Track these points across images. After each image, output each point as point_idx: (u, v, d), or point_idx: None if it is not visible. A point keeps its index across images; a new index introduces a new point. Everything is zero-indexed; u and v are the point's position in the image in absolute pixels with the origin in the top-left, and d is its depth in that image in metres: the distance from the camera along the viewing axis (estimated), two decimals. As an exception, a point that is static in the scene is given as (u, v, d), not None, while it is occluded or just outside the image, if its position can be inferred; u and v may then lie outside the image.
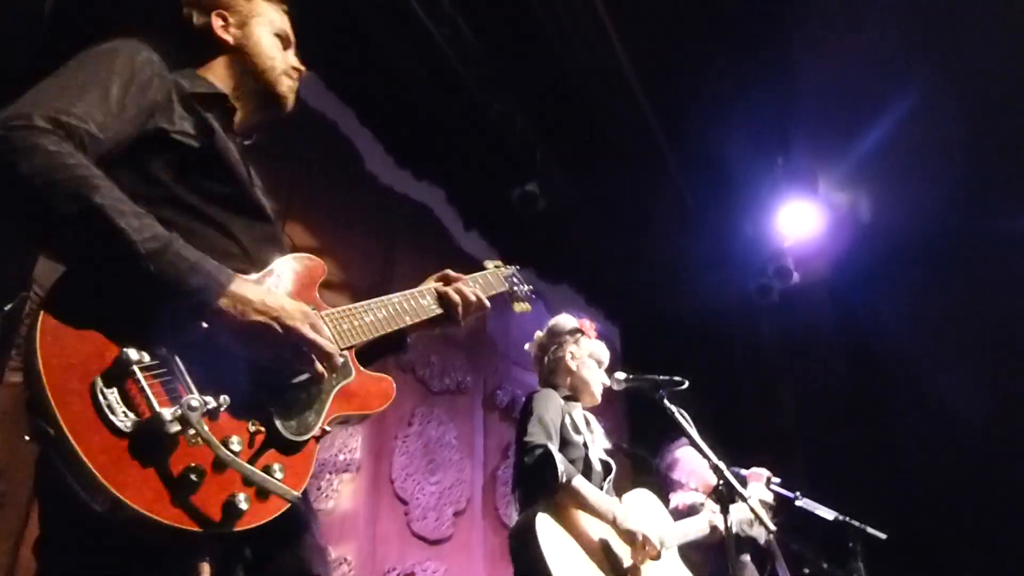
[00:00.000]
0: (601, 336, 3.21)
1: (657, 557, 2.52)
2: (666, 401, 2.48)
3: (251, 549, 1.44)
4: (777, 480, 3.86)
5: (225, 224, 1.54)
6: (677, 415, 2.46)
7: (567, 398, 2.78)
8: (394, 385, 1.59)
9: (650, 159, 5.99)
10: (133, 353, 1.26)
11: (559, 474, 2.32)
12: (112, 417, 1.19)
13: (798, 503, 3.83)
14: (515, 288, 2.19)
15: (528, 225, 5.49)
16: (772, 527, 2.81)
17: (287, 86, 1.78)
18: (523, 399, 4.54)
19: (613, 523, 2.44)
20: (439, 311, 1.80)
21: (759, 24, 5.37)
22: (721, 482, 2.34)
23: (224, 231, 1.53)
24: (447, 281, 1.86)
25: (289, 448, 1.37)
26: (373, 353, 1.68)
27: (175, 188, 1.49)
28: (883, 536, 3.79)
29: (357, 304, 1.64)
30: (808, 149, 6.00)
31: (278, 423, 1.38)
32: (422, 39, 4.59)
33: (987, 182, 5.91)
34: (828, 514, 3.84)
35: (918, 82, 5.35)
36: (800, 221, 6.52)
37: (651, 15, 5.13)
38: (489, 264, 2.11)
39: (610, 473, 2.75)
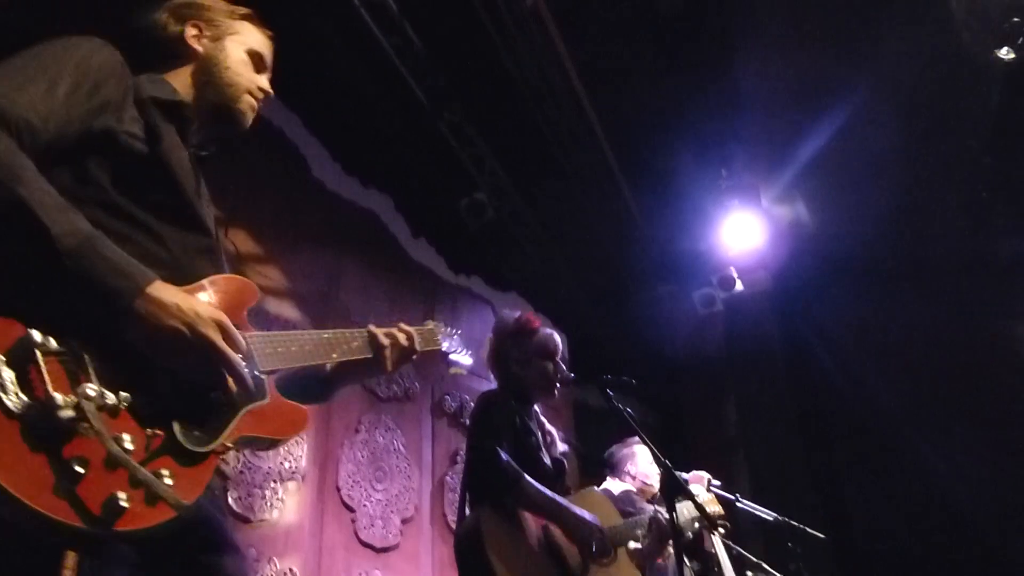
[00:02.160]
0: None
1: (608, 557, 2.53)
2: (614, 401, 2.49)
3: (157, 559, 1.41)
4: (717, 483, 3.89)
5: (157, 232, 1.52)
6: (626, 414, 2.48)
7: (518, 398, 2.77)
8: (308, 417, 1.58)
9: (597, 171, 6.15)
10: (38, 336, 1.25)
11: (506, 475, 2.32)
12: (3, 396, 1.18)
13: (739, 505, 3.89)
14: (452, 351, 2.16)
15: (476, 234, 5.55)
16: (718, 525, 2.96)
17: (247, 104, 1.78)
18: (472, 405, 4.74)
19: (562, 523, 2.43)
20: (368, 354, 1.77)
21: (703, 40, 5.60)
22: (667, 480, 2.36)
23: (155, 239, 1.51)
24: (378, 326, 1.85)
25: (186, 458, 1.35)
26: (294, 392, 1.65)
27: (111, 191, 1.47)
28: (822, 536, 3.88)
29: (286, 332, 1.65)
30: (750, 162, 6.28)
31: (178, 431, 1.36)
32: (370, 46, 4.61)
33: (924, 197, 6.13)
34: (768, 515, 3.92)
35: (856, 97, 5.62)
36: (743, 233, 6.69)
37: (599, 31, 5.30)
38: (429, 323, 2.08)
39: (562, 473, 2.74)
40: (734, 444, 7.13)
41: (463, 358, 2.20)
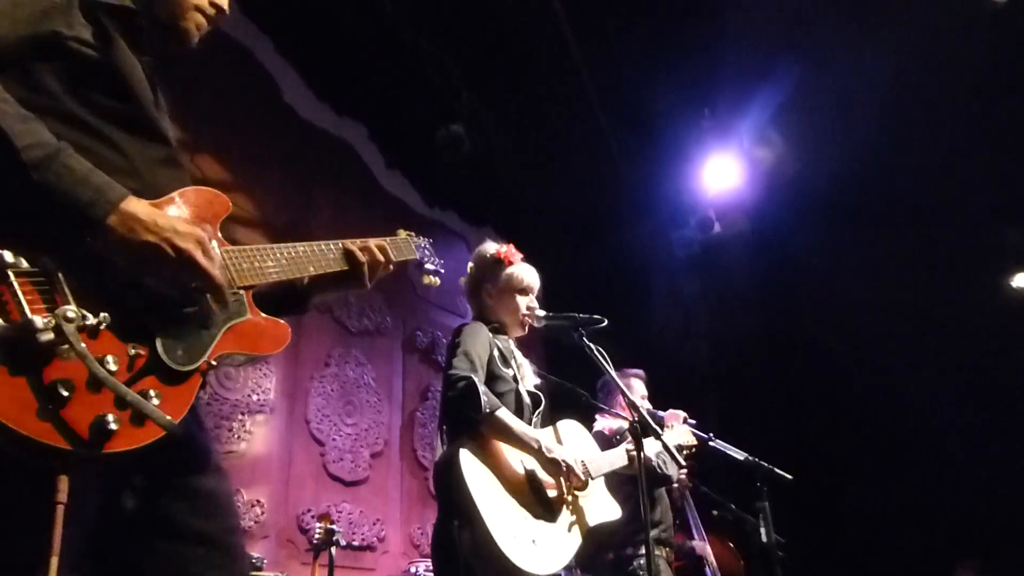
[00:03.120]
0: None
1: (583, 487, 2.57)
2: (585, 339, 2.51)
3: (142, 478, 1.41)
4: (693, 422, 3.94)
5: (117, 142, 1.46)
6: (596, 354, 2.50)
7: (495, 330, 2.75)
8: (290, 332, 1.57)
9: (578, 107, 6.03)
10: (8, 256, 1.21)
11: (482, 406, 2.32)
12: None
13: (711, 444, 3.94)
14: (426, 260, 2.18)
15: (452, 167, 5.44)
16: (683, 463, 2.95)
17: (194, 21, 1.66)
18: (444, 341, 5.07)
19: (538, 453, 2.45)
20: (344, 267, 1.76)
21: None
22: (636, 418, 2.41)
23: (115, 149, 1.45)
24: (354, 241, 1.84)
25: (170, 377, 1.34)
26: (270, 305, 1.64)
27: (64, 99, 1.41)
28: (789, 477, 3.91)
29: (261, 246, 1.62)
30: (732, 102, 6.17)
31: (161, 349, 1.34)
32: (346, -32, 4.61)
33: (905, 138, 6.00)
34: (739, 455, 3.93)
35: (839, 35, 5.47)
36: (723, 174, 6.63)
37: (583, -37, 5.12)
38: (402, 233, 2.08)
39: (539, 406, 2.75)
40: (706, 386, 7.18)
41: (434, 276, 2.21)
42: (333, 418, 5.03)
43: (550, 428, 2.74)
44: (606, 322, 2.53)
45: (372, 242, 1.84)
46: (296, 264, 1.65)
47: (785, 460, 4.09)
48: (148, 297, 1.35)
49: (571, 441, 2.75)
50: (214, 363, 1.41)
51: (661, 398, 4.13)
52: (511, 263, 2.81)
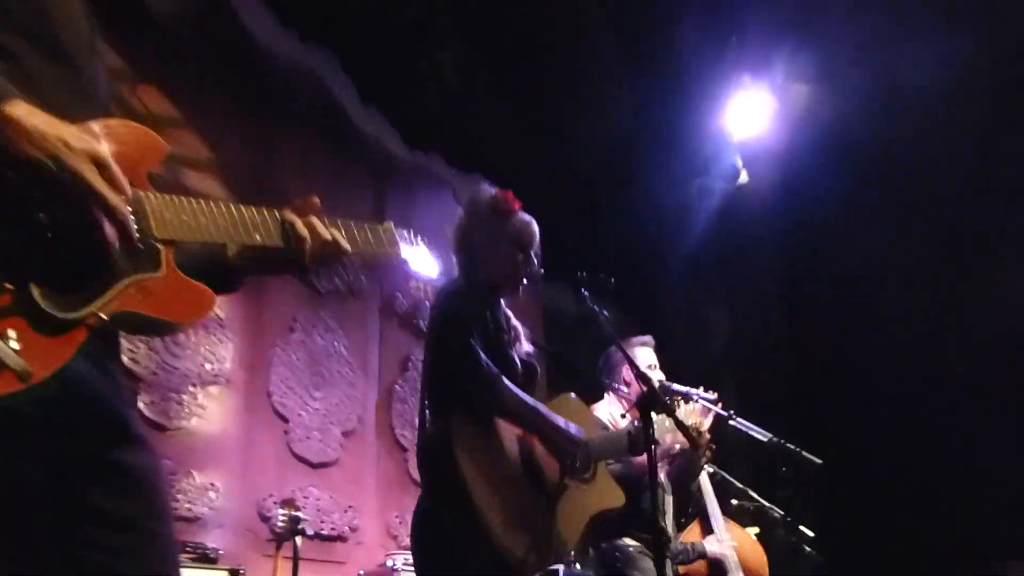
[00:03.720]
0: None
1: (588, 473, 2.52)
2: (588, 302, 2.40)
3: (40, 451, 1.29)
4: (710, 397, 3.77)
5: (15, 54, 1.33)
6: (601, 317, 2.38)
7: (488, 290, 2.66)
8: (213, 300, 1.41)
9: (583, 35, 5.54)
10: None
11: (483, 376, 2.25)
12: None
13: (732, 423, 3.77)
14: (412, 259, 1.91)
15: (438, 103, 5.15)
16: (697, 441, 2.85)
17: None
18: (428, 304, 4.64)
19: (544, 434, 2.38)
20: (280, 244, 1.53)
21: None
22: (646, 390, 2.32)
23: (13, 62, 1.32)
24: (304, 211, 1.56)
25: (43, 323, 1.22)
26: (191, 274, 1.48)
27: None
28: (817, 461, 3.74)
29: (196, 199, 1.46)
30: (765, 30, 5.57)
31: (35, 288, 1.22)
32: None
33: (955, 81, 5.55)
34: (762, 435, 3.81)
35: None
36: (751, 116, 6.13)
37: None
38: (387, 225, 1.80)
39: (534, 377, 2.67)
40: (722, 357, 6.82)
41: (425, 265, 2.00)
42: (299, 391, 4.77)
43: (550, 403, 2.66)
44: (612, 281, 2.42)
45: (320, 219, 1.56)
46: (237, 228, 1.49)
47: (811, 442, 3.96)
48: (28, 223, 1.23)
49: (574, 420, 2.68)
50: (105, 317, 1.28)
51: (670, 370, 3.95)
52: (513, 210, 2.70)
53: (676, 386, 3.75)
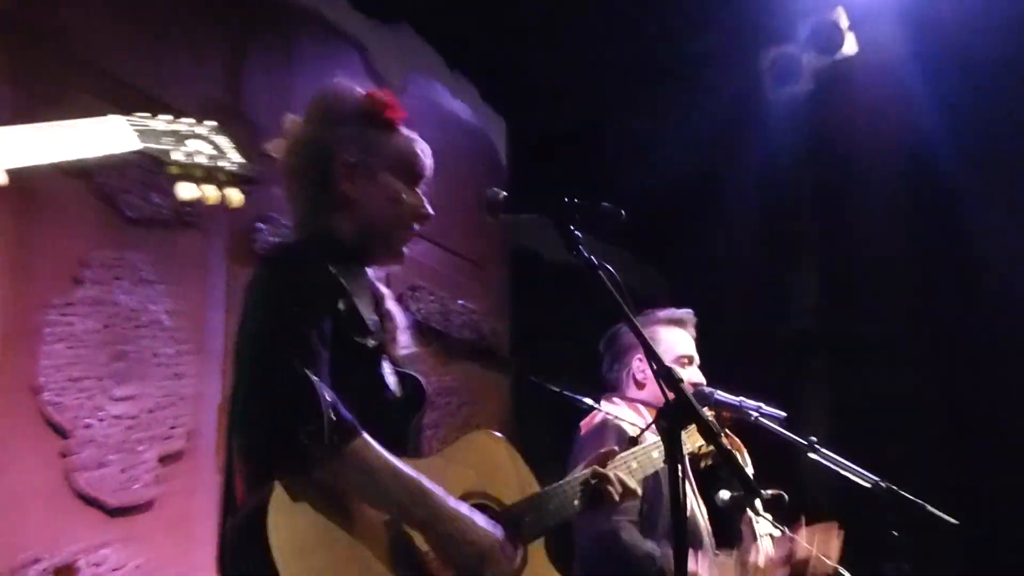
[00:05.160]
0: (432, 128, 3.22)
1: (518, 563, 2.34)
2: (581, 248, 2.20)
3: None
4: (778, 414, 3.51)
5: None
6: (603, 275, 2.16)
7: (347, 255, 2.39)
8: None
9: None
10: None
11: (327, 430, 2.03)
12: None
13: (812, 456, 3.49)
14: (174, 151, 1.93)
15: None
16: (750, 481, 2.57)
17: None
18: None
19: (429, 532, 2.15)
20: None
21: None
22: (673, 398, 2.07)
23: None
24: None
25: None
26: None
27: None
28: (953, 522, 3.48)
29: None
30: None
31: None
32: None
33: None
34: (864, 479, 3.50)
35: None
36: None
37: None
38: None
39: (418, 404, 2.43)
40: (811, 345, 5.89)
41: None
42: (88, 386, 3.75)
43: (452, 447, 2.56)
44: (623, 214, 2.28)
45: None
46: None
47: (938, 487, 4.02)
48: None
49: (493, 473, 2.52)
50: None
51: (725, 373, 3.63)
52: (391, 123, 2.50)
53: (723, 395, 3.44)
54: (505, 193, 2.38)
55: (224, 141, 1.99)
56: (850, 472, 3.51)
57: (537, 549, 2.45)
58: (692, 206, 6.10)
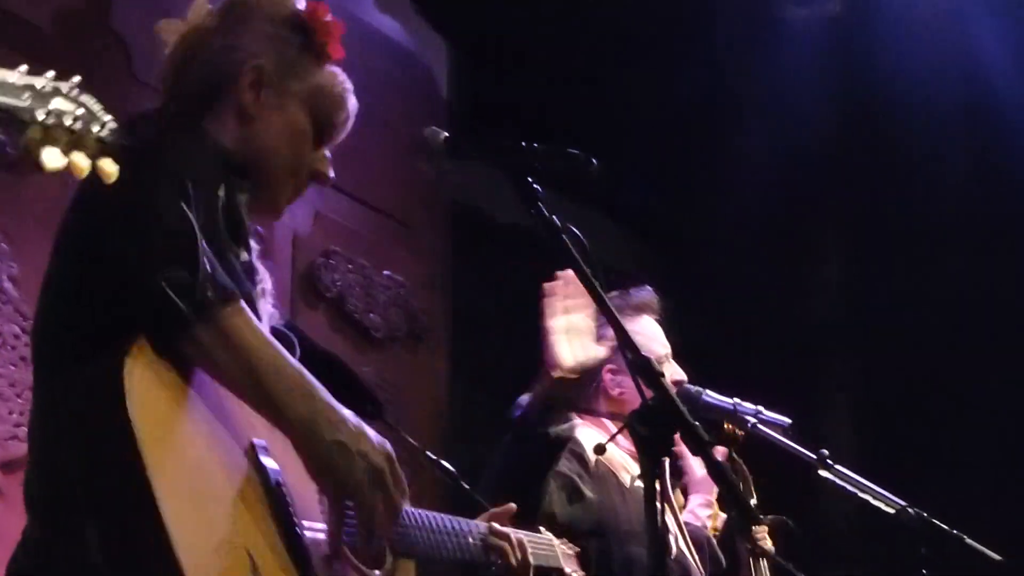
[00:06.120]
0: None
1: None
2: (541, 206, 2.10)
3: None
4: (782, 420, 3.49)
5: None
6: (568, 241, 2.09)
7: (228, 170, 2.29)
8: None
9: None
10: None
11: (200, 283, 1.98)
12: None
13: (823, 473, 3.46)
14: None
15: None
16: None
17: None
18: None
19: (302, 427, 2.09)
20: None
21: None
22: (652, 397, 1.99)
23: None
24: None
25: None
26: None
27: None
28: (997, 558, 3.45)
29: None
30: None
31: None
32: None
33: None
34: (889, 504, 3.45)
35: None
36: None
37: None
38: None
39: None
40: (823, 336, 5.48)
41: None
42: None
43: None
44: (594, 164, 2.16)
45: None
46: None
47: (981, 516, 3.99)
48: None
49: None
50: None
51: (731, 366, 3.72)
52: (331, 54, 2.43)
53: (713, 395, 3.45)
54: (446, 134, 2.28)
55: (92, 102, 1.72)
56: (870, 495, 3.39)
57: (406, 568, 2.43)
58: (688, 159, 5.54)
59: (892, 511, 3.39)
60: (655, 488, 2.00)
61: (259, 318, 2.23)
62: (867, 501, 3.45)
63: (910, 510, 3.37)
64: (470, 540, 2.35)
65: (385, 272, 4.74)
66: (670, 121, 5.37)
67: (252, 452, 2.13)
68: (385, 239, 4.92)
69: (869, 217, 5.96)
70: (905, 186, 5.67)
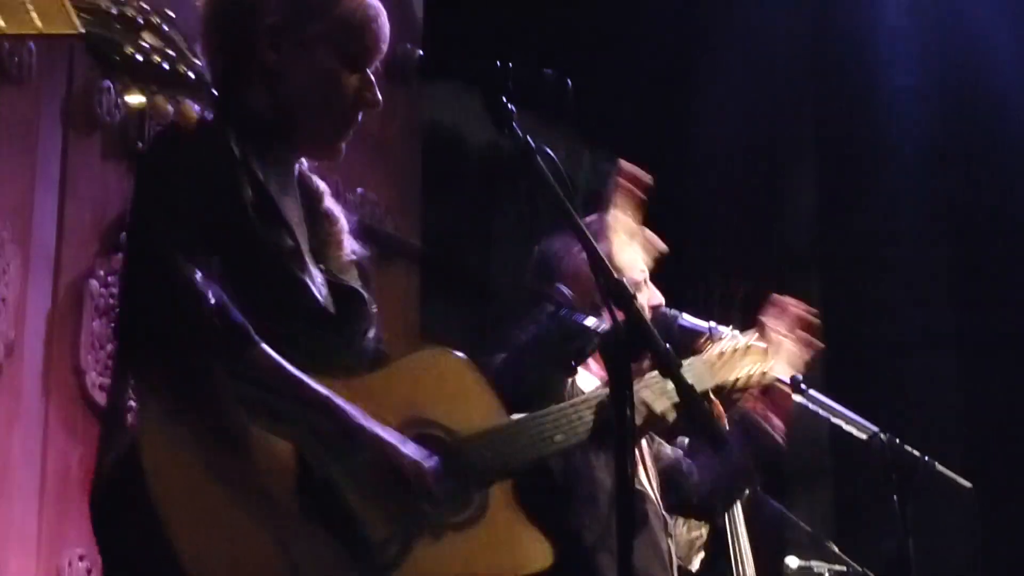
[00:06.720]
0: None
1: (461, 512, 2.26)
2: (515, 126, 2.10)
3: None
4: (757, 345, 3.38)
5: None
6: (543, 162, 2.08)
7: (264, 136, 2.31)
8: None
9: None
10: None
11: (206, 335, 2.03)
12: None
13: (799, 400, 3.40)
14: None
15: None
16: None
17: None
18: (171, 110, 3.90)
19: (330, 449, 2.12)
20: None
21: None
22: (623, 316, 1.97)
23: None
24: None
25: None
26: None
27: None
28: (966, 484, 3.53)
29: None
30: None
31: None
32: None
33: None
34: (859, 428, 3.47)
35: None
36: None
37: None
38: None
39: (353, 314, 2.35)
40: (793, 264, 5.57)
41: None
42: None
43: (398, 364, 2.43)
44: (568, 85, 2.15)
45: None
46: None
47: (953, 447, 4.08)
48: None
49: (449, 400, 2.43)
50: None
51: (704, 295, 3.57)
52: None
53: (690, 319, 3.37)
54: (420, 52, 2.29)
55: (180, 38, 1.93)
56: (842, 419, 3.37)
57: (499, 495, 2.32)
58: (667, 82, 5.51)
59: (864, 436, 3.39)
60: (626, 415, 1.99)
61: (319, 272, 2.28)
62: (839, 427, 3.45)
63: (882, 435, 3.38)
64: (558, 437, 2.33)
65: (358, 190, 4.74)
66: (646, 46, 5.33)
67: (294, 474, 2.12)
68: (356, 157, 4.86)
69: (842, 145, 6.12)
70: (877, 115, 5.83)
